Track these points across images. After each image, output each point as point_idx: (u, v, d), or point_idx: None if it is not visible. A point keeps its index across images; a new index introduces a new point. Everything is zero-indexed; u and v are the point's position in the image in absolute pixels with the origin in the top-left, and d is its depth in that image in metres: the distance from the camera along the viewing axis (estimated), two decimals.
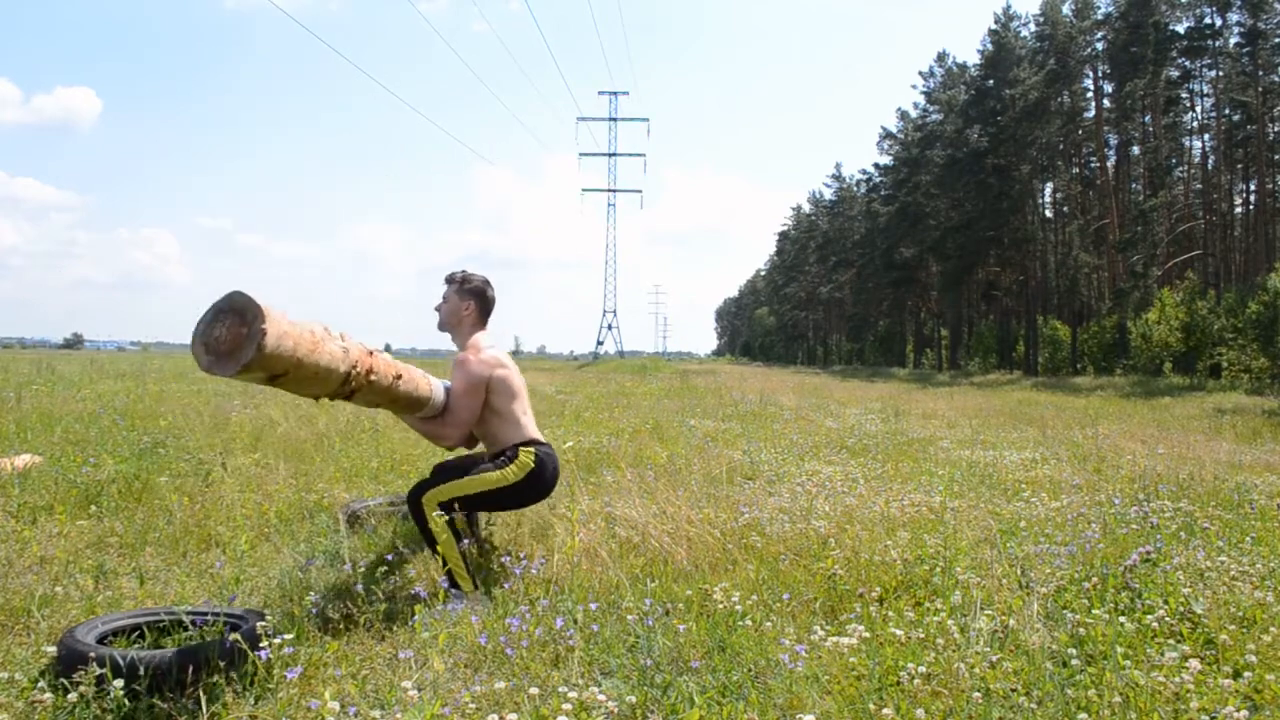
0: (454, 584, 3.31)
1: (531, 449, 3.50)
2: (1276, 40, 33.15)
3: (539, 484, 3.51)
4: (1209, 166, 40.10)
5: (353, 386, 2.91)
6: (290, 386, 2.70)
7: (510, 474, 3.44)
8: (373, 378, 2.99)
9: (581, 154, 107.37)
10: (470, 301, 3.60)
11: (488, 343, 3.57)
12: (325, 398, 2.90)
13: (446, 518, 3.32)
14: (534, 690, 2.27)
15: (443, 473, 3.54)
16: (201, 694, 2.35)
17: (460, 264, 3.82)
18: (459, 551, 3.31)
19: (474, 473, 3.44)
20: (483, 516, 4.03)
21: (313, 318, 2.74)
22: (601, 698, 2.18)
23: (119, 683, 2.28)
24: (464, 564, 3.33)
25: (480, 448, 3.79)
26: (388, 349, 3.49)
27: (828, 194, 74.33)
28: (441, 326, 3.65)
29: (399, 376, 3.16)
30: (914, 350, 60.57)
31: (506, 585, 3.32)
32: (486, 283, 3.66)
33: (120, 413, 9.10)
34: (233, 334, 2.45)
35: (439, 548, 3.31)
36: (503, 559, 3.54)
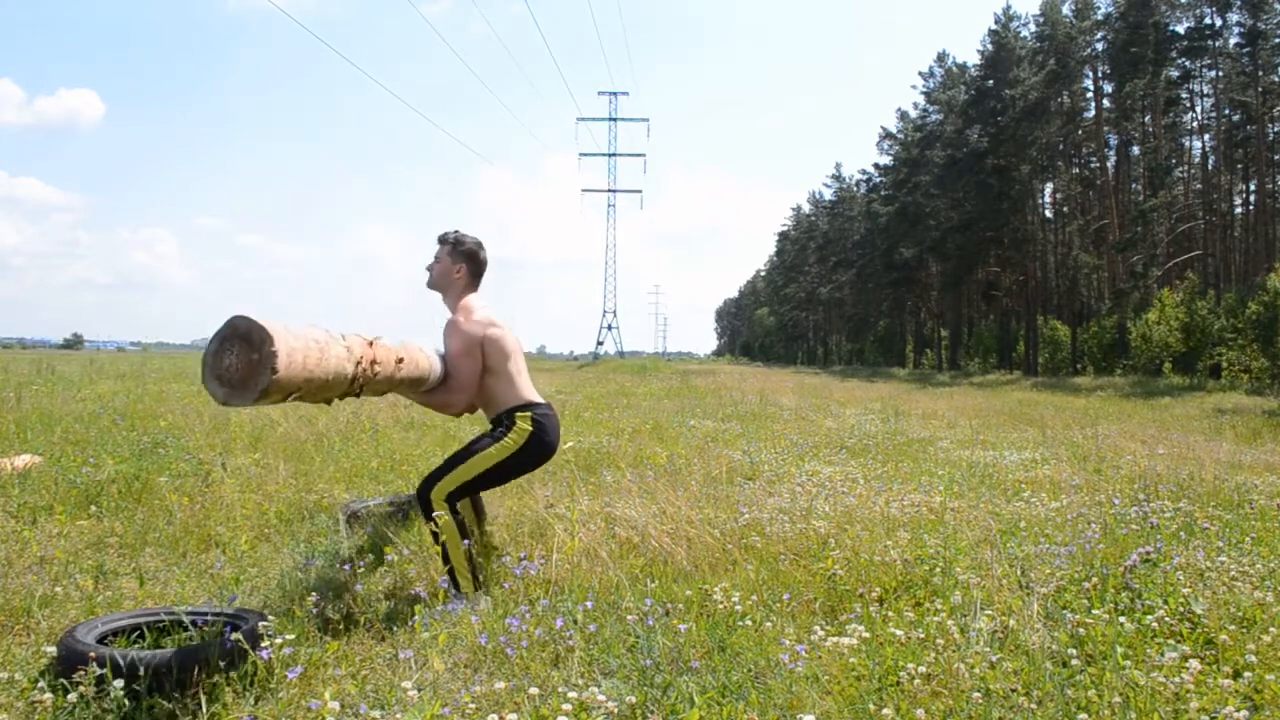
0: (454, 584, 3.30)
1: (528, 413, 3.47)
2: (1276, 40, 33.13)
3: (541, 447, 3.50)
4: (1209, 166, 40.07)
5: (360, 383, 2.86)
6: (305, 399, 2.64)
7: (510, 443, 3.42)
8: (377, 369, 2.93)
9: (581, 154, 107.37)
10: (462, 264, 3.56)
11: (479, 304, 3.54)
12: (336, 399, 2.87)
13: (454, 516, 3.32)
14: (534, 690, 2.27)
15: (450, 460, 3.52)
16: (202, 694, 2.35)
17: None
18: (463, 551, 3.31)
19: (475, 452, 3.43)
20: (487, 515, 4.03)
21: (313, 319, 2.70)
22: (601, 698, 2.18)
23: (119, 683, 2.28)
24: (467, 564, 3.32)
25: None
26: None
27: (827, 194, 74.48)
28: (431, 285, 3.60)
29: (400, 361, 3.11)
30: (914, 350, 60.57)
31: (506, 585, 3.32)
32: (479, 245, 3.61)
33: (120, 413, 9.10)
34: (243, 361, 2.34)
35: (444, 545, 3.30)
36: (503, 559, 3.54)
